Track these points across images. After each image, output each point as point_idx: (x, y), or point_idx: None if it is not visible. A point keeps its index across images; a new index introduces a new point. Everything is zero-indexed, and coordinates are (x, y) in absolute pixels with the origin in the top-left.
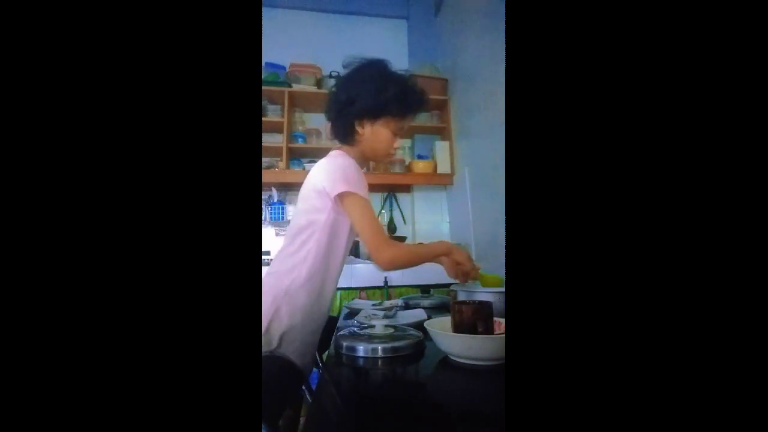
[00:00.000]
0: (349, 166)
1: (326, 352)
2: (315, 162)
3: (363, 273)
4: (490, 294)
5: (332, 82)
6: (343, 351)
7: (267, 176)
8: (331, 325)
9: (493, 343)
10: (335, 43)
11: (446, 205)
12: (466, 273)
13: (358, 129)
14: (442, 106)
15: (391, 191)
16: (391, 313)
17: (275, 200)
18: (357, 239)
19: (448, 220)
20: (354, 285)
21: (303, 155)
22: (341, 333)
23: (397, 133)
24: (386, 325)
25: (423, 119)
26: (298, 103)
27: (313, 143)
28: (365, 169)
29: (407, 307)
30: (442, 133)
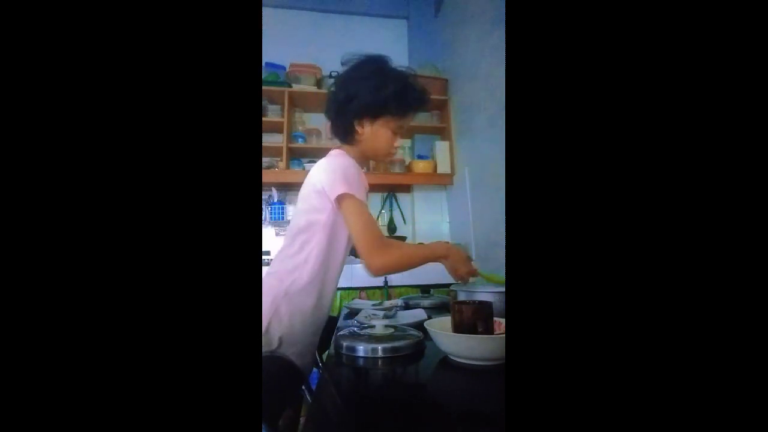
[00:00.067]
0: (348, 166)
1: (326, 352)
2: (315, 162)
3: (363, 273)
4: (490, 294)
5: (332, 81)
6: (343, 351)
7: (267, 176)
8: (331, 325)
9: (493, 343)
10: (335, 43)
11: (446, 205)
12: (465, 275)
13: (358, 128)
14: (442, 106)
15: (391, 191)
16: (391, 313)
17: (275, 200)
18: None
19: (448, 220)
20: (354, 285)
21: (303, 155)
22: (341, 333)
23: (398, 132)
24: (386, 325)
25: (423, 119)
26: (298, 103)
27: (313, 143)
28: (365, 168)
29: (407, 307)
30: (442, 133)
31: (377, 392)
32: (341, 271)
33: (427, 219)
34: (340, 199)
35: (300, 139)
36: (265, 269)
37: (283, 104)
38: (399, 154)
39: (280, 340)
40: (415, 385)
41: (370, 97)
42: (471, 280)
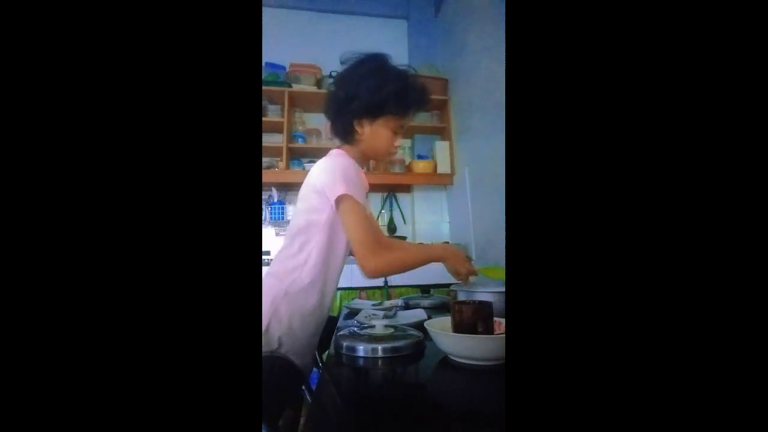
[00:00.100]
0: (348, 167)
1: (326, 352)
2: (315, 162)
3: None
4: (490, 294)
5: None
6: (343, 351)
7: (267, 176)
8: (331, 325)
9: (493, 343)
10: (335, 43)
11: (446, 205)
12: (465, 274)
13: (358, 128)
14: (442, 106)
15: (391, 191)
16: (391, 313)
17: (275, 200)
18: None
19: (448, 220)
20: (354, 285)
21: (303, 155)
22: (341, 333)
23: (398, 132)
24: (386, 325)
25: (423, 119)
26: (298, 103)
27: (313, 143)
28: (365, 168)
29: (407, 307)
30: (442, 133)
31: (377, 392)
32: (341, 271)
33: (427, 219)
34: (338, 200)
35: (300, 139)
36: (264, 269)
37: (283, 104)
38: (399, 154)
39: (280, 341)
40: (415, 385)
41: (370, 96)
42: (471, 279)
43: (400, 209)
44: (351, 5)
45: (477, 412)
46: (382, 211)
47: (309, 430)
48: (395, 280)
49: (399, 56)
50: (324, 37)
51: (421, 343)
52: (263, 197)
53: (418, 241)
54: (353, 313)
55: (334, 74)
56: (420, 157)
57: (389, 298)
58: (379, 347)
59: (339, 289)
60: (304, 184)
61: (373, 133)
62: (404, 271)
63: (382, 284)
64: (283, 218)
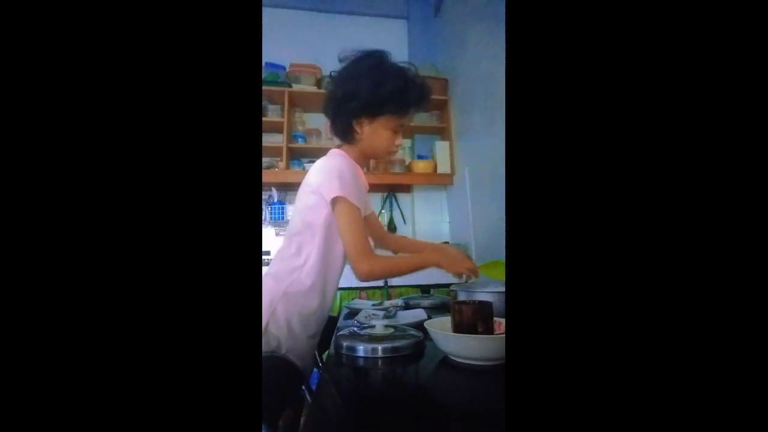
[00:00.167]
0: (345, 168)
1: (326, 352)
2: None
3: None
4: (490, 294)
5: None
6: (343, 351)
7: (267, 176)
8: (331, 325)
9: (493, 343)
10: (335, 43)
11: (446, 205)
12: (464, 272)
13: (357, 128)
14: (442, 106)
15: (391, 191)
16: (391, 313)
17: (275, 200)
18: None
19: (448, 220)
20: (354, 285)
21: (303, 155)
22: (341, 333)
23: (398, 131)
24: (386, 325)
25: (423, 119)
26: (298, 103)
27: (313, 143)
28: (365, 168)
29: (407, 307)
30: (442, 133)
31: (377, 392)
32: (342, 271)
33: (427, 219)
34: (333, 201)
35: (300, 139)
36: (264, 269)
37: (283, 104)
38: (399, 154)
39: (279, 341)
40: (415, 385)
41: (369, 95)
42: (472, 278)
43: (400, 209)
44: (351, 5)
45: (477, 412)
46: (382, 211)
47: (309, 430)
48: (395, 280)
49: (399, 56)
50: (324, 37)
51: (421, 343)
52: (263, 197)
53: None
54: (353, 313)
55: (333, 74)
56: (420, 157)
57: (389, 298)
58: (379, 347)
59: (339, 289)
60: (302, 184)
61: (373, 132)
62: (398, 276)
63: (382, 284)
64: (283, 218)
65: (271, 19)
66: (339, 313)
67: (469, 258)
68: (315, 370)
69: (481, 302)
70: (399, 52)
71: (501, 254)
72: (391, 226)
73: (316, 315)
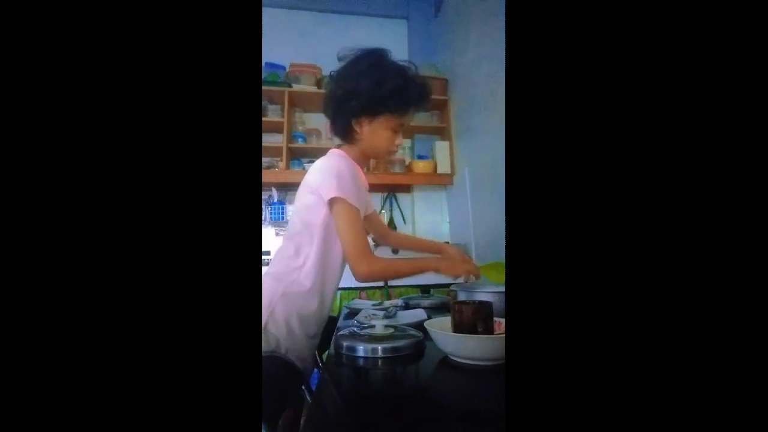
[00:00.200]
0: (343, 169)
1: (326, 352)
2: None
3: None
4: (490, 294)
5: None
6: (343, 351)
7: (267, 176)
8: (331, 325)
9: (493, 343)
10: (335, 43)
11: (446, 205)
12: (464, 274)
13: (356, 127)
14: (442, 106)
15: (391, 191)
16: (391, 313)
17: (275, 200)
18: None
19: (448, 220)
20: (354, 285)
21: (303, 155)
22: (341, 333)
23: (398, 130)
24: (386, 325)
25: (423, 119)
26: (298, 103)
27: (313, 143)
28: (365, 168)
29: (407, 307)
30: (442, 133)
31: (377, 392)
32: (342, 272)
33: (427, 219)
34: (331, 202)
35: (300, 139)
36: (263, 269)
37: (283, 104)
38: (399, 154)
39: (278, 341)
40: (415, 385)
41: (368, 93)
42: (471, 279)
43: (400, 209)
44: (351, 5)
45: (477, 412)
46: (382, 211)
47: (309, 430)
48: (395, 280)
49: (399, 56)
50: (324, 37)
51: (421, 343)
52: (263, 197)
53: None
54: (353, 313)
55: (333, 73)
56: (420, 157)
57: (389, 298)
58: (379, 347)
59: (339, 289)
60: (301, 184)
61: (373, 131)
62: (396, 278)
63: (382, 284)
64: (283, 218)
65: (271, 19)
66: (339, 313)
67: (470, 259)
68: (315, 370)
69: (481, 302)
70: (399, 52)
71: (501, 254)
72: (391, 226)
73: (316, 316)
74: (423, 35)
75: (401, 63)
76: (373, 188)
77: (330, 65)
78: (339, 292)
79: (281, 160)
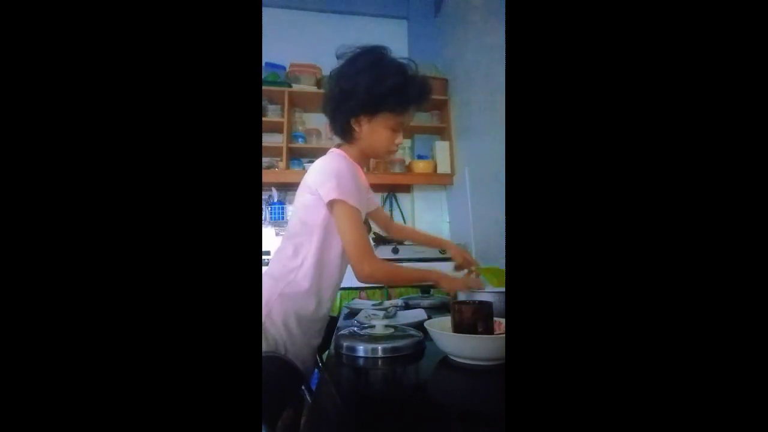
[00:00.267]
0: (343, 169)
1: (326, 352)
2: None
3: None
4: (490, 294)
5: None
6: (343, 351)
7: (267, 176)
8: (331, 325)
9: (493, 343)
10: (335, 43)
11: (446, 205)
12: (462, 287)
13: (355, 127)
14: (442, 106)
15: (391, 191)
16: (391, 313)
17: (275, 200)
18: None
19: (448, 220)
20: (354, 285)
21: (303, 155)
22: (341, 333)
23: (398, 129)
24: (386, 325)
25: (423, 119)
26: (298, 103)
27: (313, 143)
28: (365, 168)
29: (407, 307)
30: (442, 133)
31: (377, 392)
32: (343, 273)
33: (427, 219)
34: (331, 204)
35: (300, 139)
36: (263, 269)
37: (283, 104)
38: (399, 154)
39: (276, 341)
40: (415, 385)
41: (367, 92)
42: (473, 287)
43: (400, 209)
44: (351, 5)
45: (477, 412)
46: None
47: (309, 430)
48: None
49: (399, 56)
50: (324, 37)
51: (421, 343)
52: (263, 197)
53: None
54: (353, 313)
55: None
56: (420, 157)
57: (389, 298)
58: (379, 347)
59: (339, 289)
60: (300, 184)
61: (372, 131)
62: (397, 283)
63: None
64: (283, 218)
65: (271, 19)
66: (339, 313)
67: (471, 271)
68: (315, 370)
69: (481, 302)
70: (399, 52)
71: (501, 254)
72: None
73: (314, 316)
74: (423, 35)
75: (401, 60)
76: (373, 188)
77: (330, 65)
78: (339, 292)
79: (281, 160)
